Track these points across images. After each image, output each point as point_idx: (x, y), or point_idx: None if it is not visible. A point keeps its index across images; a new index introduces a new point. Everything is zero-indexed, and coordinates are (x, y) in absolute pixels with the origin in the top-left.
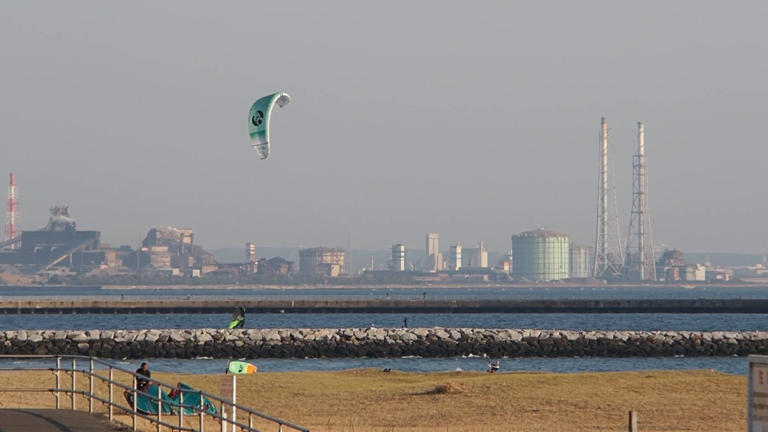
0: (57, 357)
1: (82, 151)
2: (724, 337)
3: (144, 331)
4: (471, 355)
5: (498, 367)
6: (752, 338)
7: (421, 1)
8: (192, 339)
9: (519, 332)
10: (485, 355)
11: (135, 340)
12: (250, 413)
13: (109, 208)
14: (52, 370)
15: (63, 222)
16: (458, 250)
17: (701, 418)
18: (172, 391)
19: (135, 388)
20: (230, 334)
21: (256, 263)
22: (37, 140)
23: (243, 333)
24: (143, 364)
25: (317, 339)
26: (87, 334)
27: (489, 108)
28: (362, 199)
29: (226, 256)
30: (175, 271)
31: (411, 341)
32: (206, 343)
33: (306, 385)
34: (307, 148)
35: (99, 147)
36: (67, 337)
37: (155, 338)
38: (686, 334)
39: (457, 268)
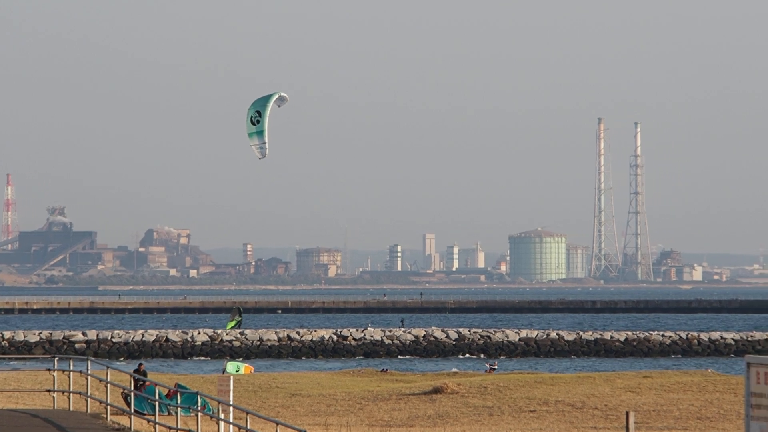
0: (54, 357)
1: (79, 152)
2: (721, 338)
3: (141, 331)
4: (468, 355)
5: (496, 367)
6: (749, 338)
7: (421, 1)
8: (189, 339)
9: (516, 332)
10: (482, 355)
11: (132, 340)
12: (247, 414)
13: (106, 208)
14: (49, 370)
15: (60, 222)
16: (455, 250)
17: (698, 419)
18: (169, 391)
19: (132, 388)
20: (227, 334)
21: (253, 263)
22: (34, 140)
23: (240, 333)
24: (140, 364)
25: (314, 339)
26: (84, 334)
27: (487, 108)
28: (359, 199)
29: (223, 257)
30: (172, 272)
31: (408, 341)
32: (203, 343)
33: (303, 386)
34: (305, 148)
35: (96, 147)
36: (64, 338)
37: (152, 338)
38: (683, 335)
39: (454, 269)
